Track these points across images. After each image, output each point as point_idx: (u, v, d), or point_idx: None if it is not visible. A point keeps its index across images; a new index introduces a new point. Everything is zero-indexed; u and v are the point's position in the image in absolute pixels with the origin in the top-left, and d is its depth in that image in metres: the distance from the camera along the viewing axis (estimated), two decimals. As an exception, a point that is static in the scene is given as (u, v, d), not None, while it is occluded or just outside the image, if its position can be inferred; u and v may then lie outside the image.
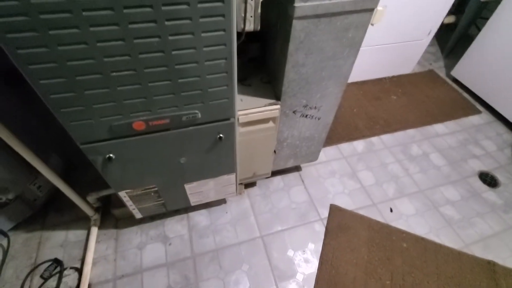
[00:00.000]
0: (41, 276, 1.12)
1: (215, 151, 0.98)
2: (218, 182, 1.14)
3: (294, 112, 1.11)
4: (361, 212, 1.41)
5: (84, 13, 0.54)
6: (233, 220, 1.34)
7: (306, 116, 1.15)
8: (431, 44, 2.53)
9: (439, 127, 1.86)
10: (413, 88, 2.14)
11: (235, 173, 1.14)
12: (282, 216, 1.37)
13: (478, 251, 1.29)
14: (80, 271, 1.14)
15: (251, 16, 0.69)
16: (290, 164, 1.40)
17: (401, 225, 1.37)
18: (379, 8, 1.80)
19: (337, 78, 1.03)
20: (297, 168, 1.57)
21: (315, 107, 1.13)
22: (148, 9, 0.57)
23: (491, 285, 1.19)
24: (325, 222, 1.36)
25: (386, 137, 1.79)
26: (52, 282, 1.11)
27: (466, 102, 2.04)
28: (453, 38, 2.33)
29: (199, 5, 0.59)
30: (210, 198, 1.23)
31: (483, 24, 1.88)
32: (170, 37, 0.62)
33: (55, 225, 1.28)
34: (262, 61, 1.16)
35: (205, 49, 0.67)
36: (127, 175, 0.94)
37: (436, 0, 1.75)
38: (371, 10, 0.85)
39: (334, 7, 0.80)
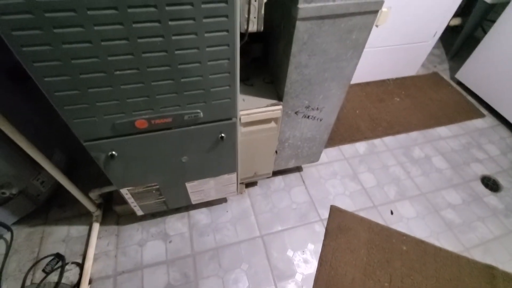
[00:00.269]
0: (43, 270, 1.14)
1: (217, 151, 0.98)
2: (219, 181, 1.15)
3: (296, 112, 1.11)
4: (362, 214, 1.41)
5: (88, 12, 0.54)
6: (234, 219, 1.34)
7: (308, 117, 1.15)
8: (436, 46, 2.52)
9: (442, 130, 1.85)
10: (416, 91, 2.13)
11: (236, 173, 1.14)
12: (283, 216, 1.37)
13: (478, 255, 1.29)
14: (81, 266, 1.15)
15: (255, 17, 0.69)
16: (291, 164, 1.40)
17: (402, 228, 1.37)
18: (383, 9, 1.79)
19: (340, 80, 1.03)
20: (298, 169, 1.57)
21: (317, 108, 1.13)
22: (152, 9, 0.57)
23: (491, 290, 1.18)
24: (325, 223, 1.37)
25: (388, 139, 1.79)
26: (54, 276, 1.13)
27: (470, 105, 2.03)
28: (459, 41, 2.32)
29: (203, 6, 0.59)
30: (211, 197, 1.24)
31: (490, 27, 1.86)
32: (174, 37, 0.63)
33: (57, 220, 1.29)
34: (265, 61, 1.16)
35: (208, 49, 0.67)
36: (129, 172, 0.95)
37: (442, 2, 1.73)
38: (375, 12, 0.85)
39: (338, 9, 0.80)
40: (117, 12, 0.56)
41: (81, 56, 0.61)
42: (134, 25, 0.59)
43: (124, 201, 1.10)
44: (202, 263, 1.20)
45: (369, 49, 1.88)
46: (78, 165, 1.44)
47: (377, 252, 1.27)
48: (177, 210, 1.35)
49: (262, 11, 0.69)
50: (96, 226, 1.25)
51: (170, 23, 0.60)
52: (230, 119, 0.89)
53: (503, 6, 1.85)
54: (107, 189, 1.22)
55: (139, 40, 0.61)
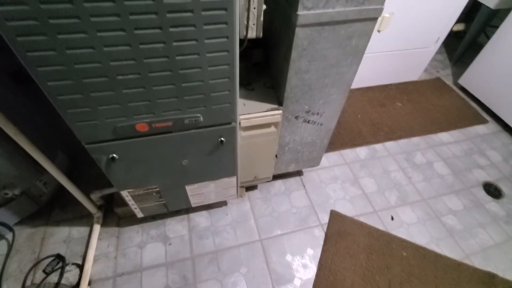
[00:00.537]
0: (44, 271, 1.15)
1: (217, 154, 0.99)
2: (219, 184, 1.16)
3: (296, 117, 1.11)
4: (362, 219, 1.41)
5: (92, 19, 0.56)
6: (233, 223, 1.35)
7: (308, 121, 1.16)
8: (439, 52, 2.51)
9: (444, 136, 1.85)
10: (419, 96, 2.13)
11: (235, 176, 1.15)
12: (282, 220, 1.38)
13: (479, 262, 1.28)
14: (81, 267, 1.16)
15: (254, 24, 0.70)
16: (291, 168, 1.41)
17: (402, 234, 1.36)
18: (386, 15, 1.80)
19: (340, 85, 1.04)
20: (298, 173, 1.57)
21: (318, 113, 1.13)
22: (154, 16, 0.58)
23: (492, 298, 1.17)
24: (325, 227, 1.36)
25: (390, 144, 1.78)
26: (54, 277, 1.14)
27: (473, 111, 2.02)
28: (462, 46, 2.31)
29: (203, 13, 0.60)
30: (211, 200, 1.25)
31: (493, 33, 1.86)
32: (175, 43, 0.64)
33: (59, 221, 1.30)
34: (266, 66, 1.17)
35: (208, 55, 0.68)
36: (130, 175, 0.96)
37: (444, 8, 1.74)
38: (374, 19, 0.86)
39: (337, 16, 0.81)
40: (119, 18, 0.57)
41: (84, 61, 0.62)
42: (136, 32, 0.60)
43: (124, 203, 1.11)
44: (201, 266, 1.20)
45: (371, 54, 1.89)
46: (81, 166, 1.46)
47: (376, 258, 1.27)
48: (177, 212, 1.35)
49: (261, 18, 0.70)
50: (96, 228, 1.26)
51: (171, 29, 0.61)
52: (230, 123, 0.90)
53: (506, 12, 1.85)
54: (108, 191, 1.24)
55: (140, 46, 0.62)
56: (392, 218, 1.43)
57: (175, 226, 1.31)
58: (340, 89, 1.06)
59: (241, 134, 1.05)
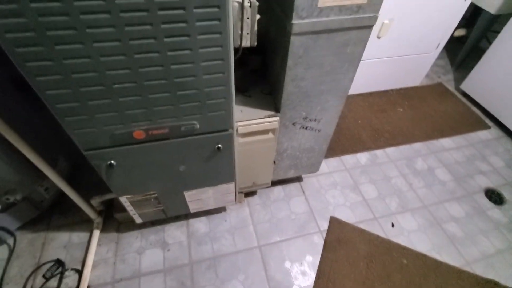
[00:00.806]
0: (43, 276, 1.16)
1: (214, 161, 1.00)
2: (217, 190, 1.16)
3: (293, 124, 1.12)
4: (362, 225, 1.40)
5: (87, 30, 0.57)
6: (232, 229, 1.35)
7: (306, 128, 1.16)
8: (440, 57, 2.51)
9: (446, 142, 1.84)
10: (420, 101, 2.12)
11: (234, 182, 1.15)
12: (281, 227, 1.37)
13: (480, 270, 1.26)
14: (80, 272, 1.17)
15: (248, 33, 0.72)
16: (290, 174, 1.41)
17: (402, 241, 1.35)
18: (385, 21, 1.81)
19: (336, 92, 1.04)
20: (298, 179, 1.57)
21: (315, 120, 1.14)
22: (148, 27, 0.60)
23: (494, 308, 1.15)
24: (324, 234, 1.36)
25: (390, 150, 1.77)
26: (53, 282, 1.15)
27: (475, 116, 2.01)
28: (463, 51, 2.31)
29: (197, 23, 0.62)
30: (210, 205, 1.25)
31: (494, 38, 1.85)
32: (169, 53, 0.65)
33: (59, 226, 1.32)
34: (264, 72, 1.18)
35: (203, 63, 0.70)
36: (128, 181, 0.97)
37: (444, 14, 1.74)
38: (370, 26, 0.86)
39: (332, 24, 0.81)
40: (115, 29, 0.59)
41: (81, 70, 0.63)
42: (130, 42, 0.61)
43: (124, 209, 1.12)
44: (199, 273, 1.20)
45: (371, 60, 1.89)
46: (82, 171, 1.47)
47: (376, 266, 1.25)
48: (176, 218, 1.36)
49: (255, 28, 0.71)
50: (96, 233, 1.27)
51: (165, 39, 0.63)
52: (226, 130, 0.90)
53: (507, 17, 1.85)
54: (108, 197, 1.25)
55: (136, 56, 0.64)
56: (393, 225, 1.41)
57: (174, 232, 1.32)
58: (337, 96, 1.06)
59: (238, 141, 1.06)
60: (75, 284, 1.14)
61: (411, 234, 1.38)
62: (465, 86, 2.12)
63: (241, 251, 1.28)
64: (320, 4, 0.76)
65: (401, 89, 2.22)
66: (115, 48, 0.62)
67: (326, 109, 1.10)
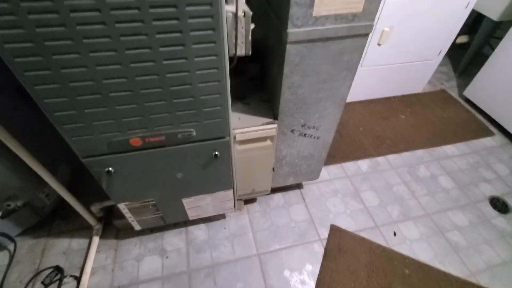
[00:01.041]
0: (42, 282, 1.16)
1: (211, 168, 1.00)
2: (216, 197, 1.16)
3: (292, 131, 1.12)
4: (363, 234, 1.38)
5: (84, 41, 0.59)
6: (231, 236, 1.34)
7: (305, 135, 1.16)
8: (443, 64, 2.50)
9: (449, 149, 1.81)
10: (422, 108, 2.11)
11: (232, 189, 1.15)
12: (281, 234, 1.36)
13: (485, 281, 1.22)
14: (78, 279, 1.17)
15: (242, 42, 0.72)
16: (290, 181, 1.40)
17: (404, 250, 1.32)
18: (385, 29, 1.82)
19: (334, 100, 1.04)
20: (298, 186, 1.56)
21: (314, 127, 1.14)
22: (143, 37, 0.61)
23: (500, 320, 1.12)
24: (325, 242, 1.34)
25: (392, 157, 1.76)
26: (52, 289, 1.15)
27: (479, 123, 1.98)
28: (466, 58, 2.29)
29: (191, 33, 0.63)
30: (208, 213, 1.25)
31: (497, 44, 1.84)
32: (165, 62, 0.66)
33: (60, 233, 1.32)
34: (262, 80, 1.19)
35: (198, 72, 0.71)
36: (126, 188, 0.97)
37: (445, 22, 1.74)
38: (366, 35, 0.87)
39: (327, 33, 0.82)
40: (111, 40, 0.60)
41: (78, 79, 0.65)
42: (126, 52, 0.62)
43: (123, 216, 1.13)
44: (198, 281, 1.19)
45: (373, 67, 1.89)
46: (84, 177, 1.49)
47: (377, 275, 1.23)
48: (175, 225, 1.36)
49: (249, 37, 0.72)
50: (95, 240, 1.28)
51: (160, 49, 0.64)
52: (223, 137, 0.91)
53: (509, 23, 1.84)
54: (107, 203, 1.25)
55: (131, 65, 0.65)
56: (395, 234, 1.39)
57: (173, 239, 1.31)
58: (335, 103, 1.06)
59: (236, 148, 1.06)
60: (73, 291, 1.14)
61: (413, 243, 1.35)
62: (468, 92, 2.10)
63: (240, 259, 1.27)
64: (315, 13, 0.77)
65: (403, 96, 2.21)
66: (111, 58, 0.63)
67: (324, 116, 1.10)
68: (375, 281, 1.21)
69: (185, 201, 1.13)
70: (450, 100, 2.18)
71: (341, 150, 1.78)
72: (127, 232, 1.32)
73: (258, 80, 1.20)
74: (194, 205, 1.17)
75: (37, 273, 1.19)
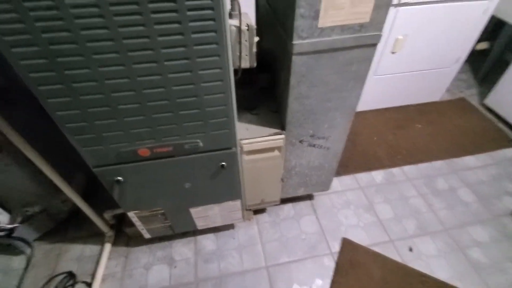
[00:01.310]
0: (56, 288, 1.19)
1: (219, 178, 1.01)
2: (224, 207, 1.16)
3: (300, 141, 1.11)
4: (376, 248, 1.32)
5: (93, 56, 0.61)
6: (240, 247, 1.33)
7: (314, 145, 1.14)
8: (462, 71, 2.41)
9: (469, 160, 1.73)
10: (440, 117, 2.03)
11: (240, 200, 1.15)
12: (290, 247, 1.33)
13: (510, 305, 1.14)
14: (89, 286, 1.19)
15: (246, 55, 0.73)
16: (300, 192, 1.38)
17: (420, 267, 1.26)
18: (399, 37, 1.78)
19: (343, 109, 1.03)
20: (309, 197, 1.53)
21: (323, 137, 1.12)
22: (150, 52, 0.63)
23: None
24: (336, 256, 1.30)
25: (408, 168, 1.70)
26: (64, 294, 1.18)
27: (501, 133, 1.88)
28: (487, 65, 2.21)
29: (195, 47, 0.64)
30: (217, 223, 1.25)
31: (519, 51, 1.76)
32: (170, 75, 0.68)
33: (74, 239, 1.36)
34: (272, 90, 1.19)
35: (203, 84, 0.72)
36: (135, 197, 0.99)
37: (462, 28, 1.69)
38: (374, 45, 0.85)
39: (334, 43, 0.81)
40: (119, 55, 0.62)
41: (88, 92, 0.67)
42: (134, 66, 0.65)
43: (133, 224, 1.14)
44: (205, 291, 1.18)
45: (387, 75, 1.85)
46: (98, 184, 1.53)
47: (391, 292, 1.18)
48: (184, 234, 1.36)
49: (254, 49, 0.73)
50: (107, 247, 1.30)
51: (166, 63, 0.65)
52: (230, 148, 0.91)
53: (532, 29, 1.76)
54: (119, 211, 1.28)
55: (138, 78, 0.67)
56: (410, 249, 1.33)
57: (181, 249, 1.32)
58: (344, 113, 1.04)
59: (244, 158, 1.06)
60: (84, 297, 1.17)
61: (430, 259, 1.29)
62: (490, 100, 2.01)
63: (248, 271, 1.25)
64: (320, 25, 0.77)
65: (419, 104, 2.14)
66: (120, 72, 0.65)
67: (334, 126, 1.09)
68: (389, 298, 1.16)
69: (193, 211, 1.13)
70: (469, 109, 2.09)
71: (354, 160, 1.74)
72: (137, 240, 1.34)
73: (268, 90, 1.20)
74: (202, 215, 1.17)
75: (51, 278, 1.22)
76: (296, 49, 0.79)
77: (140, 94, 0.70)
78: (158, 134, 0.80)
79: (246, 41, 0.70)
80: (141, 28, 0.59)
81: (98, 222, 1.26)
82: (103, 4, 0.55)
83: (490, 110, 2.03)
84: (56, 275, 1.23)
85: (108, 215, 1.29)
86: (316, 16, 0.74)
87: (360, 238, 1.37)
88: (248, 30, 0.69)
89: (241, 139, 0.99)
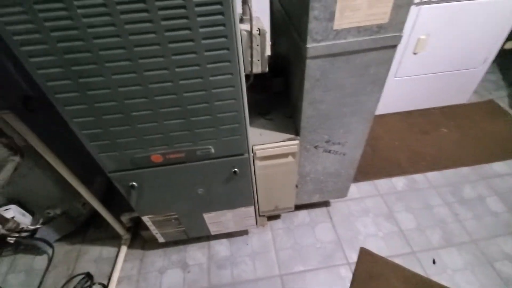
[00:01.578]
0: (74, 288, 1.23)
1: (231, 184, 0.99)
2: (237, 213, 1.14)
3: (315, 147, 1.08)
4: (397, 260, 1.26)
5: (106, 64, 0.62)
6: (253, 254, 1.31)
7: (330, 151, 1.11)
8: (490, 71, 2.27)
9: (499, 166, 1.61)
10: (468, 121, 1.92)
11: (253, 206, 1.13)
12: (305, 255, 1.30)
13: (549, 327, 1.04)
14: (105, 287, 1.22)
15: (258, 60, 0.72)
16: (316, 199, 1.34)
17: (445, 281, 1.18)
18: (421, 37, 1.71)
19: (361, 114, 0.99)
20: (325, 203, 1.49)
21: (339, 143, 1.08)
22: (161, 59, 0.63)
23: None
24: (353, 267, 1.25)
25: (432, 175, 1.61)
26: (82, 295, 1.21)
27: (536, 138, 1.75)
28: (519, 65, 2.06)
29: (206, 53, 0.63)
30: (230, 228, 1.24)
31: (555, 50, 1.63)
32: (181, 82, 0.68)
33: (93, 240, 1.40)
34: (287, 95, 1.17)
35: (214, 90, 0.71)
36: (149, 201, 1.00)
37: (489, 27, 1.59)
38: (393, 46, 0.81)
39: (350, 46, 0.78)
40: (131, 63, 0.63)
41: (102, 100, 0.69)
42: (145, 73, 0.65)
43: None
44: (218, 298, 1.17)
45: (408, 77, 1.78)
46: (117, 188, 1.56)
47: (413, 307, 1.11)
48: (198, 239, 1.36)
49: (266, 54, 0.71)
50: (124, 249, 1.33)
51: (177, 69, 0.65)
52: (242, 154, 0.90)
53: None
54: (135, 214, 1.30)
55: (150, 86, 0.67)
56: (434, 262, 1.25)
57: (195, 253, 1.32)
58: (362, 118, 1.00)
59: (258, 164, 1.04)
60: (100, 299, 1.19)
61: (456, 273, 1.20)
62: (523, 103, 1.88)
63: (261, 279, 1.23)
64: (336, 27, 0.74)
65: (445, 107, 2.04)
66: (132, 79, 0.66)
67: (350, 131, 1.04)
68: (410, 314, 1.09)
69: (206, 216, 1.13)
70: (499, 112, 1.96)
71: (373, 166, 1.67)
72: (153, 243, 1.35)
73: (282, 95, 1.18)
74: (215, 220, 1.16)
75: (70, 279, 1.26)
76: (310, 53, 0.77)
77: (152, 101, 0.70)
78: (171, 141, 0.81)
79: (257, 45, 0.68)
80: (151, 35, 0.59)
81: (116, 225, 1.29)
82: (114, 12, 0.55)
83: (522, 113, 1.90)
84: (75, 276, 1.26)
85: (125, 218, 1.32)
86: (331, 18, 0.72)
87: (379, 248, 1.30)
88: (259, 34, 0.68)
89: (254, 145, 0.98)
